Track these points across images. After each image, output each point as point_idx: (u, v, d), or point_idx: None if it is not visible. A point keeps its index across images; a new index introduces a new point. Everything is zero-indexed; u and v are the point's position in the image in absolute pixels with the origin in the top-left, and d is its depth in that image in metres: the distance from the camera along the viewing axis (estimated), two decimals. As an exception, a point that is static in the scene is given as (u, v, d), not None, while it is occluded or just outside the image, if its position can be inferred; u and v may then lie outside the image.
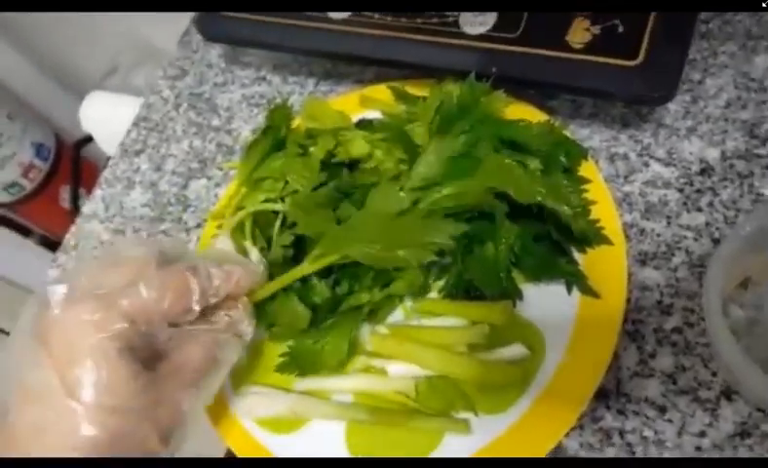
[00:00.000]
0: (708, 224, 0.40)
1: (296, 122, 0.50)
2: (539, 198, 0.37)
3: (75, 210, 1.23)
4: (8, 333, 1.28)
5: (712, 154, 0.42)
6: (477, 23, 0.43)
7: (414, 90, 0.49)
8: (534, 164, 0.40)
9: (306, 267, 0.40)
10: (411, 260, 0.37)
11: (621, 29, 0.39)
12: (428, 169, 0.39)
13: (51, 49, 1.25)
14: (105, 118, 0.97)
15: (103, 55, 1.17)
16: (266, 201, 0.45)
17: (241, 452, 0.42)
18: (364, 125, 0.49)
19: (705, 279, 0.33)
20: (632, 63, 0.39)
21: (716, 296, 0.32)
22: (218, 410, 0.43)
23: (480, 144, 0.39)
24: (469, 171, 0.38)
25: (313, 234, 0.41)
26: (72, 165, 1.32)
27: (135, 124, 0.62)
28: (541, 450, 0.36)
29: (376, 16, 0.47)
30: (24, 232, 1.39)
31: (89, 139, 1.14)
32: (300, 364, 0.42)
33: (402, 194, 0.39)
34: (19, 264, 1.35)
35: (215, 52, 0.63)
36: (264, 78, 0.59)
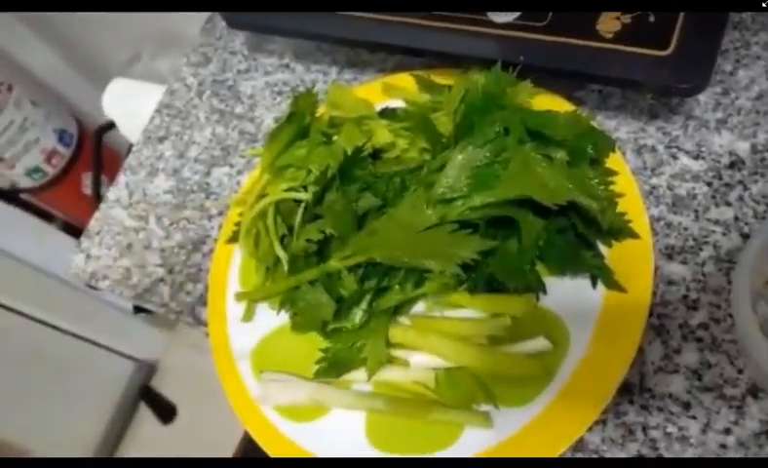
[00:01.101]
0: (737, 219, 0.40)
1: (320, 110, 0.50)
2: (566, 197, 0.37)
3: (97, 196, 1.24)
4: (28, 316, 1.30)
5: (743, 147, 0.41)
6: (504, 12, 0.43)
7: (439, 78, 0.48)
8: (561, 155, 0.40)
9: (334, 265, 0.41)
10: (437, 269, 0.38)
11: (652, 19, 0.39)
12: (453, 180, 0.39)
13: (74, 35, 1.26)
14: (128, 105, 0.97)
15: (127, 42, 1.18)
16: (289, 189, 0.45)
17: (260, 439, 0.42)
18: (387, 114, 0.48)
19: (733, 275, 0.32)
20: (663, 53, 0.38)
21: (746, 293, 0.31)
22: (238, 397, 0.44)
23: (506, 141, 0.39)
24: (494, 180, 0.38)
25: (338, 233, 0.41)
26: (94, 151, 1.33)
27: (159, 111, 0.63)
28: (562, 445, 0.36)
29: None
30: (47, 218, 1.41)
31: (111, 126, 1.15)
32: (339, 368, 0.41)
33: (428, 211, 0.39)
34: (41, 249, 1.37)
35: (239, 39, 0.63)
36: (287, 66, 0.59)
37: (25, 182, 1.30)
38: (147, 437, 1.57)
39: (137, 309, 1.36)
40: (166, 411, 1.56)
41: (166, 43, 1.10)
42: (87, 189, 1.35)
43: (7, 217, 1.32)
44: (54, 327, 1.39)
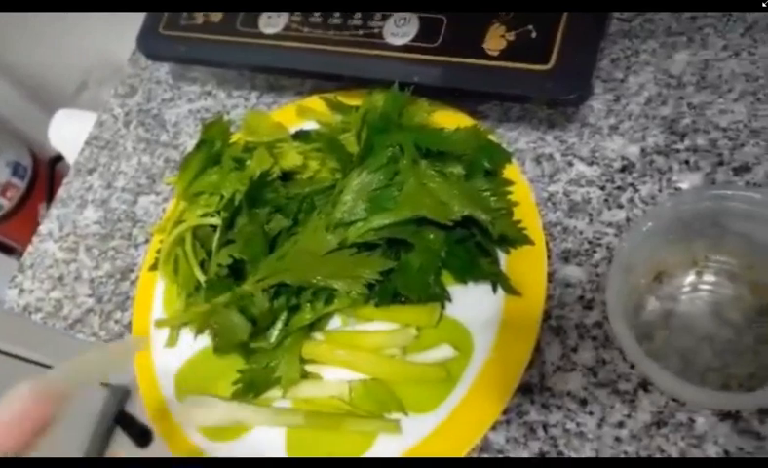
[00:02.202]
0: (628, 220, 0.41)
1: (237, 136, 0.51)
2: (457, 214, 0.38)
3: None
4: (6, 353, 1.28)
5: (633, 151, 0.43)
6: (399, 34, 0.44)
7: (347, 100, 0.50)
8: (457, 170, 0.42)
9: (247, 289, 0.42)
10: (344, 290, 0.40)
11: (534, 35, 0.41)
12: (351, 204, 0.40)
13: (23, 65, 1.25)
14: (72, 135, 0.97)
15: (74, 71, 1.18)
16: (204, 215, 0.46)
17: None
18: (300, 136, 0.50)
19: (606, 280, 0.34)
20: (545, 68, 0.40)
21: (616, 298, 0.33)
22: (162, 420, 0.44)
23: (399, 165, 0.40)
24: (390, 202, 0.40)
25: (248, 257, 0.42)
26: (47, 182, 1.33)
27: (88, 143, 0.63)
28: (467, 445, 0.37)
29: (306, 30, 0.48)
30: (7, 250, 1.40)
31: (62, 156, 1.15)
32: (255, 388, 0.42)
33: (329, 236, 0.40)
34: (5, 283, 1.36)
35: (164, 68, 0.64)
36: (210, 93, 0.60)
37: (-19, 216, 1.29)
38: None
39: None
40: (141, 435, 1.55)
41: (111, 72, 1.10)
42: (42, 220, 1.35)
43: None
44: (20, 357, 1.38)
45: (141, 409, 1.40)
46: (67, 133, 0.97)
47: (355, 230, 0.40)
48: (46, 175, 1.36)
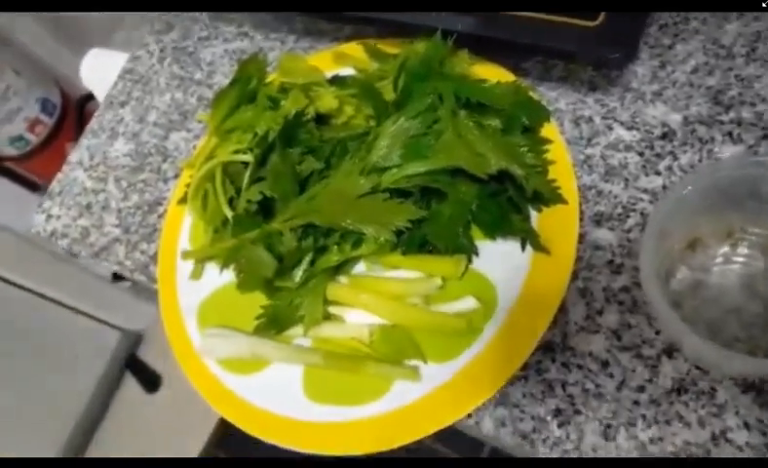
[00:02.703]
0: (664, 188, 0.41)
1: (272, 77, 0.51)
2: (493, 167, 0.38)
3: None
4: (16, 285, 1.31)
5: (675, 118, 0.42)
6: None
7: (387, 48, 0.49)
8: (494, 123, 0.41)
9: (275, 226, 0.42)
10: (372, 235, 0.40)
11: (584, -11, 0.40)
12: (387, 150, 0.40)
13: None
14: (104, 75, 0.98)
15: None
16: (236, 152, 0.46)
17: (202, 390, 0.43)
18: (337, 81, 0.49)
19: (641, 244, 0.33)
20: (592, 24, 0.39)
21: (650, 260, 0.32)
22: (183, 350, 0.45)
23: (438, 113, 0.40)
24: (426, 150, 0.39)
25: (278, 195, 0.42)
26: (76, 121, 1.34)
27: (122, 76, 0.64)
28: (482, 397, 0.37)
29: (350, -28, 0.47)
30: (31, 186, 1.42)
31: (92, 96, 1.16)
32: (278, 324, 0.43)
33: (362, 180, 0.40)
34: (26, 218, 1.38)
35: (202, 7, 0.64)
36: (246, 34, 0.60)
37: (8, 151, 1.31)
38: (132, 405, 1.58)
39: (116, 276, 1.37)
40: (151, 381, 1.58)
41: (146, 13, 1.10)
42: (69, 159, 1.36)
43: (-8, 185, 1.33)
44: (40, 295, 1.40)
45: (153, 357, 1.43)
46: (99, 72, 0.97)
47: (389, 176, 0.39)
48: (74, 113, 1.37)
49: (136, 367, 1.60)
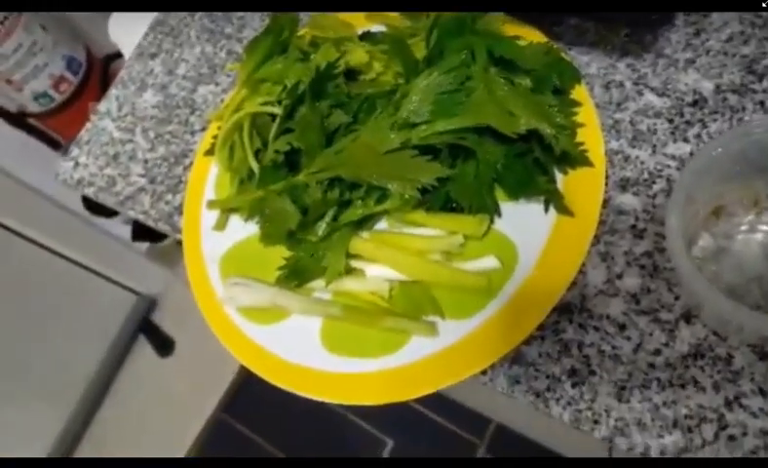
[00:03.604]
0: (692, 155, 0.40)
1: (303, 31, 0.51)
2: (522, 127, 0.38)
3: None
4: (33, 242, 1.32)
5: (707, 86, 0.42)
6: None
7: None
8: (525, 82, 0.41)
9: (301, 178, 0.42)
10: (398, 191, 0.40)
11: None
12: (417, 105, 0.40)
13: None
14: (133, 32, 0.98)
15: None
16: (264, 104, 0.47)
17: (223, 338, 0.44)
18: (368, 37, 0.49)
19: (667, 205, 0.33)
20: (629, -16, 0.39)
21: (678, 220, 0.32)
22: (206, 298, 0.46)
23: (471, 70, 0.40)
24: (457, 107, 0.39)
25: (305, 146, 0.43)
26: (101, 80, 1.35)
27: (153, 28, 0.64)
28: (498, 353, 0.37)
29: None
30: (53, 144, 1.43)
31: (118, 55, 1.16)
32: (299, 276, 0.44)
33: (392, 135, 0.40)
34: (47, 176, 1.40)
35: (233, -38, 0.64)
36: (278, -11, 0.60)
37: (33, 107, 1.32)
38: (145, 369, 1.61)
39: (135, 236, 1.39)
40: (164, 345, 1.60)
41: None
42: (93, 118, 1.37)
43: (14, 141, 1.35)
44: (57, 253, 1.42)
45: (166, 321, 1.44)
46: (128, 28, 0.98)
47: (418, 132, 0.39)
48: (99, 73, 1.38)
49: (150, 330, 1.63)
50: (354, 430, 1.24)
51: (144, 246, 1.49)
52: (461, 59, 0.39)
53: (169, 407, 1.52)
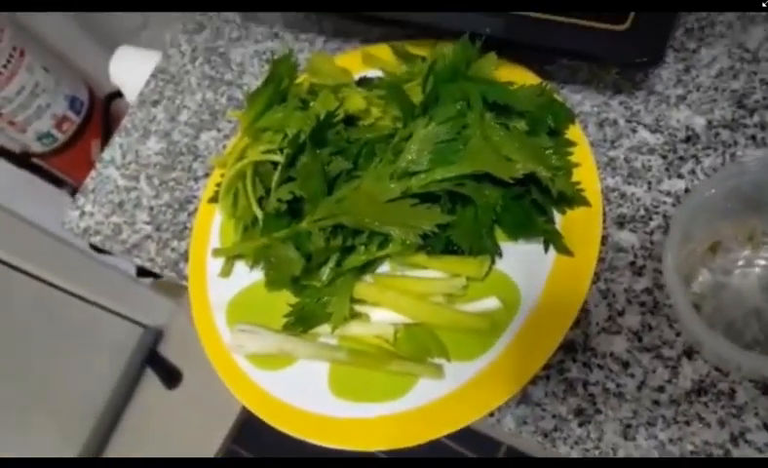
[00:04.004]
0: (687, 191, 0.41)
1: (302, 77, 0.52)
2: (519, 171, 0.39)
3: (105, 162, 1.27)
4: (41, 280, 1.33)
5: (699, 122, 0.43)
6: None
7: (415, 49, 0.50)
8: (520, 125, 0.42)
9: (304, 226, 0.43)
10: (399, 238, 0.41)
11: (610, -6, 0.40)
12: (416, 155, 0.41)
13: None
14: (133, 72, 1.00)
15: (136, 9, 1.20)
16: (266, 152, 0.47)
17: (231, 384, 0.45)
18: (365, 82, 0.50)
19: (664, 245, 0.34)
20: (620, 28, 0.40)
21: (674, 261, 0.33)
22: (213, 345, 0.47)
23: (467, 118, 0.41)
24: (454, 155, 0.40)
25: (307, 195, 0.43)
26: (103, 119, 1.37)
27: (154, 75, 0.65)
28: (506, 395, 0.38)
29: (378, -24, 0.48)
30: (57, 183, 1.45)
31: (119, 94, 1.18)
32: (305, 322, 0.44)
33: (393, 185, 0.41)
34: (52, 213, 1.41)
35: (232, 8, 0.65)
36: (277, 34, 0.61)
37: (36, 147, 1.33)
38: (152, 401, 1.61)
39: (140, 273, 1.39)
40: (171, 377, 1.60)
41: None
42: (95, 156, 1.38)
43: (19, 181, 1.36)
44: (63, 289, 1.43)
45: (172, 351, 1.44)
46: (128, 69, 0.99)
47: (417, 180, 0.40)
48: (101, 111, 1.39)
49: (157, 362, 1.63)
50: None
51: (148, 280, 1.50)
52: (457, 109, 0.40)
53: (178, 438, 1.51)
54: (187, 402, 1.56)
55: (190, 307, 0.48)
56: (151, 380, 1.62)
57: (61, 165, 1.41)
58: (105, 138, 1.36)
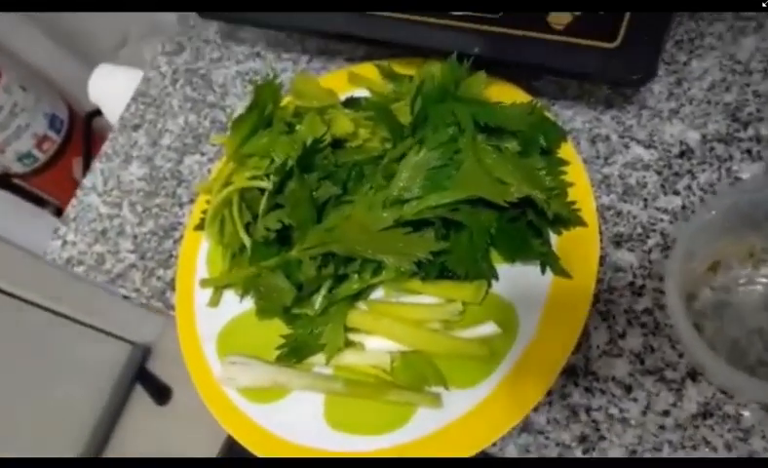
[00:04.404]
0: (684, 207, 0.41)
1: (286, 100, 0.51)
2: (514, 195, 0.38)
3: (87, 181, 1.25)
4: (27, 302, 1.31)
5: (693, 136, 0.42)
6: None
7: (401, 69, 0.49)
8: (512, 146, 0.41)
9: (295, 254, 0.42)
10: (393, 265, 0.39)
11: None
12: (408, 182, 0.40)
13: (63, 20, 1.26)
14: (112, 91, 0.98)
15: (114, 25, 1.18)
16: (253, 178, 0.46)
17: (222, 420, 0.43)
18: (351, 103, 0.49)
19: (666, 265, 0.33)
20: (610, 45, 0.39)
21: (677, 284, 0.32)
22: (203, 378, 0.45)
23: (459, 143, 0.40)
24: (447, 181, 0.39)
25: (296, 223, 0.42)
26: (84, 137, 1.35)
27: (135, 99, 0.64)
28: (508, 425, 0.37)
29: (363, -6, 0.47)
30: (39, 203, 1.42)
31: (100, 111, 1.16)
32: (298, 353, 0.43)
33: (385, 213, 0.40)
34: (34, 234, 1.38)
35: (213, 28, 0.64)
36: (259, 54, 0.60)
37: (17, 168, 1.31)
38: (143, 418, 1.59)
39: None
40: (161, 393, 1.58)
41: (152, 28, 1.10)
42: (77, 175, 1.36)
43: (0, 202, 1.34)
44: (51, 310, 1.41)
45: (162, 367, 1.42)
46: (107, 87, 0.97)
47: (410, 207, 0.39)
48: (82, 129, 1.37)
49: (146, 379, 1.61)
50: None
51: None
52: (450, 135, 0.39)
53: (171, 454, 1.49)
54: (179, 417, 1.55)
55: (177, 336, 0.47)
56: (141, 397, 1.60)
57: (43, 184, 1.39)
58: (87, 157, 1.34)
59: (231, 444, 1.42)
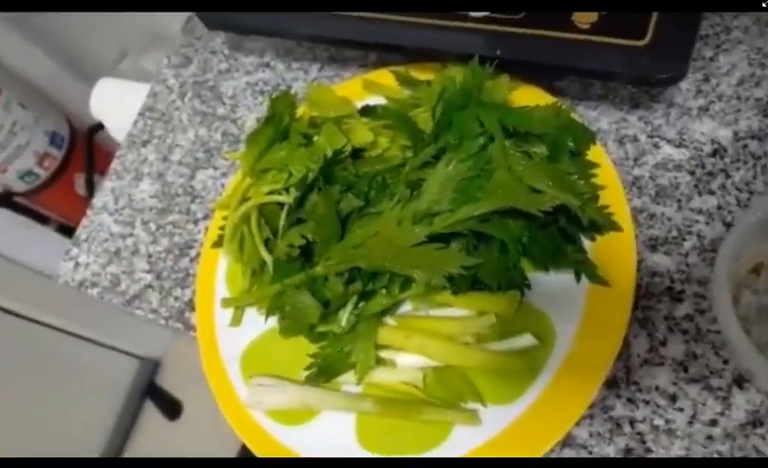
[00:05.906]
0: (719, 208, 0.39)
1: (301, 110, 0.49)
2: (548, 204, 0.36)
3: (91, 196, 1.24)
4: (31, 320, 1.30)
5: (725, 134, 0.41)
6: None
7: (418, 74, 0.48)
8: (540, 150, 0.40)
9: (320, 270, 0.40)
10: (423, 280, 0.38)
11: (629, 8, 0.38)
12: (438, 195, 0.38)
13: (61, 36, 1.25)
14: (114, 105, 0.97)
15: (113, 40, 1.17)
16: (271, 192, 0.45)
17: (251, 443, 0.42)
18: (368, 111, 0.48)
19: (714, 269, 0.32)
20: (639, 44, 0.38)
21: (725, 287, 0.31)
22: (228, 401, 0.44)
23: (489, 153, 0.38)
24: (478, 192, 0.38)
25: (320, 238, 0.41)
26: (86, 152, 1.33)
27: (142, 114, 0.62)
28: (551, 440, 0.36)
29: (378, -1, 0.46)
30: (42, 220, 1.41)
31: (102, 126, 1.15)
32: (328, 373, 0.42)
33: (416, 229, 0.38)
34: (38, 252, 1.37)
35: (219, 38, 0.63)
36: (268, 64, 0.58)
37: (19, 186, 1.30)
38: (154, 433, 1.58)
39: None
40: (171, 408, 1.57)
41: (152, 40, 1.09)
42: (80, 190, 1.35)
43: (2, 221, 1.32)
44: (57, 328, 1.40)
45: (172, 382, 1.42)
46: (109, 102, 0.96)
47: (440, 220, 0.38)
48: (84, 145, 1.36)
49: (156, 394, 1.59)
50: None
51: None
52: (479, 145, 0.38)
53: (183, 469, 1.48)
54: (189, 432, 1.53)
55: (199, 355, 0.46)
56: (152, 412, 1.58)
57: (45, 201, 1.37)
58: (90, 172, 1.33)
59: (245, 454, 1.41)
